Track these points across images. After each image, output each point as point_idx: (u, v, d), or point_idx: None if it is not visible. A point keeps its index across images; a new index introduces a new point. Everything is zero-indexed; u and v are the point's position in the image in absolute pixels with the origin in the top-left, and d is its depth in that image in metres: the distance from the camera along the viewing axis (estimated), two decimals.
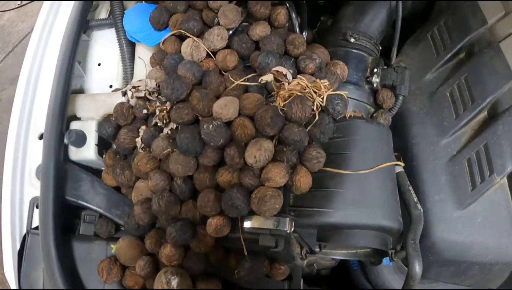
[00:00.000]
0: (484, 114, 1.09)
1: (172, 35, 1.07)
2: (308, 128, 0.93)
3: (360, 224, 0.94)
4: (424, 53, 1.15)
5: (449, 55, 1.13)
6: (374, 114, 1.06)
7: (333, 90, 0.99)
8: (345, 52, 1.08)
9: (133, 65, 1.16)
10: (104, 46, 1.22)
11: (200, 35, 1.04)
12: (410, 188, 1.03)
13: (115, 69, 1.19)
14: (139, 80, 1.07)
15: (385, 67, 1.10)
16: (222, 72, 1.02)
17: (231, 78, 0.99)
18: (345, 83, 1.04)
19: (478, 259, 1.05)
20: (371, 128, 1.00)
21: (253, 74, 0.99)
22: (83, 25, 1.17)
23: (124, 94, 1.04)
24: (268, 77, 0.94)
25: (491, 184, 1.03)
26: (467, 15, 1.16)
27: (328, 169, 0.95)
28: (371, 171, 0.95)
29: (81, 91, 1.20)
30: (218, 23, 1.03)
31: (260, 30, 1.01)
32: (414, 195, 1.03)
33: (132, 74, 1.15)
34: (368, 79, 1.07)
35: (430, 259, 1.06)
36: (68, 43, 1.12)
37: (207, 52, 1.02)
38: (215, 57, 1.03)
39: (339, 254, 1.01)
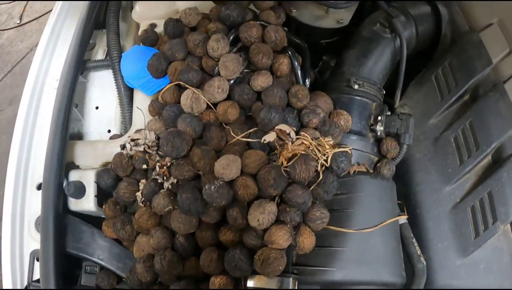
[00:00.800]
0: (489, 158, 1.07)
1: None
2: (312, 187, 0.91)
3: (363, 281, 0.93)
4: (428, 96, 1.11)
5: (453, 99, 1.09)
6: (378, 164, 1.03)
7: (336, 143, 0.96)
8: (348, 99, 1.04)
9: (131, 109, 1.12)
10: (101, 89, 1.18)
11: (200, 85, 1.00)
12: (414, 240, 1.02)
13: (113, 113, 1.16)
14: (138, 131, 1.04)
15: (389, 113, 1.07)
16: (223, 124, 0.99)
17: (232, 134, 0.95)
18: (348, 133, 1.01)
19: None
20: (375, 184, 0.97)
21: (255, 129, 0.96)
22: (79, 67, 1.13)
23: (123, 147, 1.01)
24: (270, 137, 0.90)
25: (495, 232, 1.01)
26: (472, 55, 1.12)
27: (332, 227, 0.93)
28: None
29: (79, 135, 1.16)
30: (219, 73, 0.99)
31: (262, 81, 0.97)
32: (417, 247, 1.01)
33: (130, 119, 1.12)
34: (372, 127, 1.04)
35: None
36: (65, 88, 1.09)
37: (208, 104, 0.98)
38: (215, 108, 0.99)
39: None
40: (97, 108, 1.17)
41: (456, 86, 1.10)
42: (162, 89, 1.04)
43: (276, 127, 0.91)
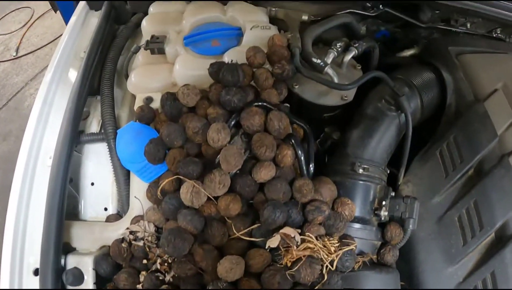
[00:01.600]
0: (492, 236, 1.05)
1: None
2: (316, 288, 0.88)
3: None
4: (432, 173, 1.08)
5: (458, 176, 1.06)
6: (382, 250, 1.00)
7: (341, 236, 0.94)
8: (352, 183, 1.01)
9: (128, 188, 1.07)
10: (96, 163, 1.12)
11: (200, 176, 0.95)
12: None
13: (109, 190, 1.10)
14: (136, 219, 1.00)
15: (393, 193, 1.04)
16: (225, 218, 0.95)
17: (235, 231, 0.92)
18: (352, 222, 0.98)
19: None
20: (379, 279, 0.96)
21: (258, 225, 0.92)
22: (74, 143, 1.07)
23: (122, 241, 0.97)
24: (275, 242, 0.87)
25: None
26: (478, 129, 1.08)
27: None
28: None
29: (74, 212, 1.11)
30: (219, 164, 0.94)
31: (264, 174, 0.93)
32: None
33: (127, 198, 1.07)
34: (376, 212, 1.01)
35: None
36: (59, 168, 1.04)
37: (208, 197, 0.94)
38: (216, 200, 0.95)
39: None
40: (92, 184, 1.12)
41: (461, 163, 1.06)
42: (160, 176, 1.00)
43: (281, 231, 0.88)
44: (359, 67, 1.16)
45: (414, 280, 1.06)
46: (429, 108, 1.14)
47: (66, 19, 2.15)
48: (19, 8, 3.85)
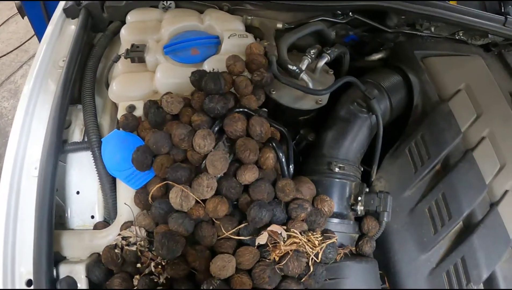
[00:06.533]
0: (460, 224, 1.19)
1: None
2: (303, 279, 1.00)
3: None
4: (402, 169, 1.22)
5: (426, 171, 1.20)
6: (360, 242, 1.13)
7: (323, 230, 1.06)
8: (329, 182, 1.14)
9: (114, 195, 1.15)
10: (81, 172, 1.19)
11: (187, 181, 1.05)
12: None
13: (95, 198, 1.18)
14: (126, 224, 1.08)
15: (367, 189, 1.17)
16: (213, 219, 1.05)
17: (224, 231, 1.02)
18: (331, 217, 1.10)
19: None
20: (360, 268, 1.08)
21: (245, 224, 1.03)
22: (59, 152, 1.14)
23: (115, 247, 1.05)
24: (263, 239, 0.98)
25: None
26: (443, 127, 1.23)
27: None
28: None
29: (60, 221, 1.18)
30: (205, 168, 1.04)
31: (249, 176, 1.04)
32: None
33: (114, 205, 1.15)
34: (352, 207, 1.14)
35: None
36: (47, 179, 1.10)
37: (196, 200, 1.04)
38: (204, 203, 1.04)
39: None
40: (77, 192, 1.19)
41: (429, 159, 1.21)
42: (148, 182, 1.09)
43: (268, 229, 0.99)
44: (332, 72, 1.29)
45: (390, 269, 1.19)
46: (397, 108, 1.29)
47: (34, 24, 2.18)
48: None
